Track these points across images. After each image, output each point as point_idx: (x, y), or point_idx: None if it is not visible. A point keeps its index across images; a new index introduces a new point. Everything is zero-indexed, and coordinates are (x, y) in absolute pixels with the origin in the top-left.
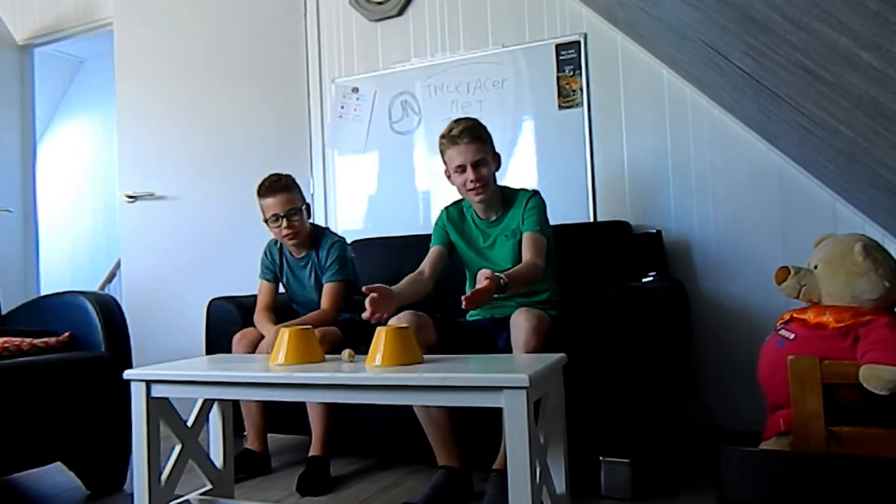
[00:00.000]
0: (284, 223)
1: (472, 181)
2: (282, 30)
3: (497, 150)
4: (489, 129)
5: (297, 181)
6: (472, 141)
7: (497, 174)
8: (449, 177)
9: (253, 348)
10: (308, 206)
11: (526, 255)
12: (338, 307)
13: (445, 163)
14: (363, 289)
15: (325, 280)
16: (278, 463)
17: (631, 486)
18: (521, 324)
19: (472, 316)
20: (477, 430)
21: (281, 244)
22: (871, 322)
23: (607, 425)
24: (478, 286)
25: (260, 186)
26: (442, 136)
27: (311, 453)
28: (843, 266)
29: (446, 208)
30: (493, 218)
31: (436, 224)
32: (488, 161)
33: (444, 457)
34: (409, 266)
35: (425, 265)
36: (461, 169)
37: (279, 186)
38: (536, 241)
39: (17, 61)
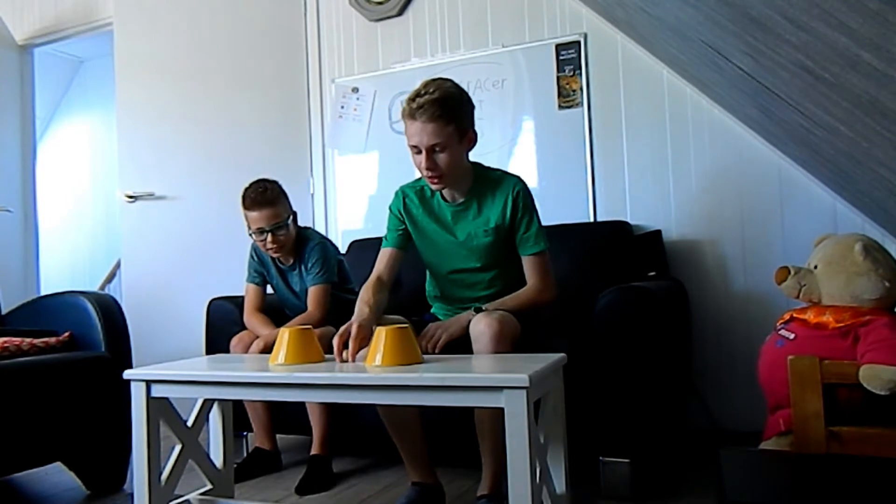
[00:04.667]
0: (269, 238)
1: (425, 168)
2: (282, 30)
3: (498, 147)
4: (489, 128)
5: (296, 182)
6: (430, 119)
7: (482, 158)
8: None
9: (246, 351)
10: (294, 214)
11: (531, 280)
12: (324, 309)
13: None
14: (335, 338)
15: (308, 283)
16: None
17: (631, 486)
18: (482, 331)
19: (436, 311)
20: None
21: None
22: (871, 322)
23: (607, 425)
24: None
25: (244, 197)
26: (404, 104)
27: (312, 452)
28: (843, 266)
29: (402, 190)
30: (461, 200)
31: (390, 215)
32: (450, 145)
33: (417, 472)
34: (407, 266)
35: (382, 271)
36: (416, 149)
37: (265, 199)
38: (540, 264)
39: (17, 61)
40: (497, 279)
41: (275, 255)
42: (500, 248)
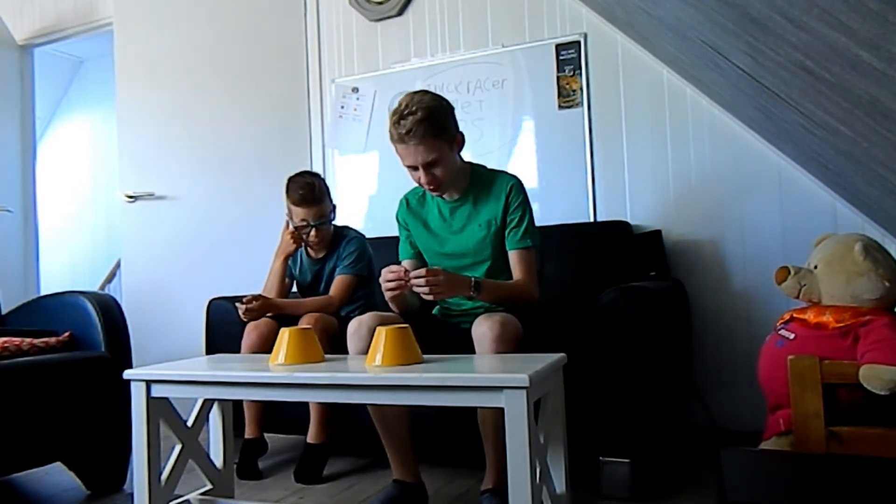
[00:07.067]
0: (313, 232)
1: (425, 182)
2: (282, 30)
3: (498, 148)
4: (489, 128)
5: None
6: (420, 142)
7: (482, 158)
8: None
9: (262, 340)
10: (335, 207)
11: (517, 275)
12: (344, 299)
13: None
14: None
15: (338, 272)
16: (278, 462)
17: (631, 486)
18: (483, 333)
19: (445, 317)
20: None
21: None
22: (871, 322)
23: (607, 425)
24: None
25: (290, 190)
26: (390, 127)
27: (308, 440)
28: (843, 266)
29: (405, 197)
30: (457, 196)
31: (399, 226)
32: (443, 157)
33: (399, 469)
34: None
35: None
36: (412, 168)
37: (313, 198)
38: (527, 260)
39: (17, 61)
40: (489, 275)
41: (313, 250)
42: (492, 244)
